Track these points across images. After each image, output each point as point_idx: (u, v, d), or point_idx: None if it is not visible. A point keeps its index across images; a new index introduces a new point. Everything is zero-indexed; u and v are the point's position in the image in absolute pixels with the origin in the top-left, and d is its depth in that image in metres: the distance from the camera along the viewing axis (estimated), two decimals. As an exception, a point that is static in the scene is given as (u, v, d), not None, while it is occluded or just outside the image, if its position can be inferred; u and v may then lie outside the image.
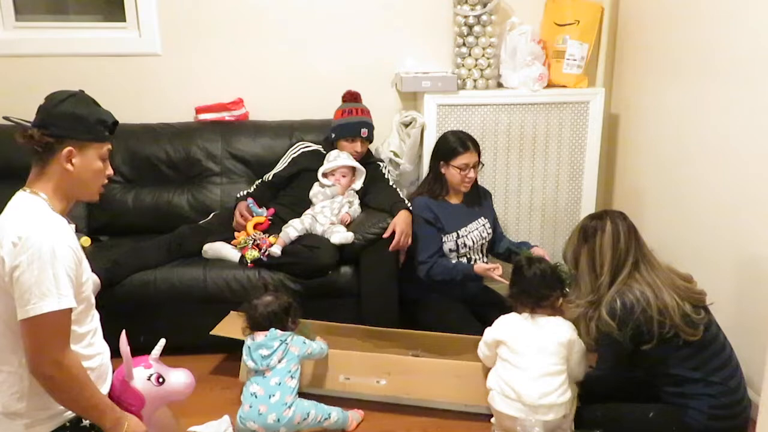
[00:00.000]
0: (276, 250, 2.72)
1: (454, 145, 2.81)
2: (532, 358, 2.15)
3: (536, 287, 2.25)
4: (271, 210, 2.94)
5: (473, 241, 2.87)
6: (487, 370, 2.31)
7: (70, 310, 1.54)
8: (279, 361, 2.17)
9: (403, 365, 2.44)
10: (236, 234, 2.84)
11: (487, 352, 2.30)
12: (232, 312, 2.60)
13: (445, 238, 2.84)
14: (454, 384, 2.38)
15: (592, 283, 2.12)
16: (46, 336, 1.50)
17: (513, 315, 2.29)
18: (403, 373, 2.40)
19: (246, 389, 2.19)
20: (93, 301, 1.72)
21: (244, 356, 2.21)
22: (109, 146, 1.70)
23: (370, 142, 3.11)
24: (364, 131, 3.02)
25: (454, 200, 2.91)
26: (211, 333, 2.45)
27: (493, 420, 2.28)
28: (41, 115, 1.63)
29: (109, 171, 1.73)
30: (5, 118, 1.65)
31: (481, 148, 3.10)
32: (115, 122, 1.71)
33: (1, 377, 1.58)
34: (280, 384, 2.15)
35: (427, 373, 2.41)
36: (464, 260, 2.88)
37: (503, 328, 2.26)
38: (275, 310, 2.24)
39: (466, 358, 2.49)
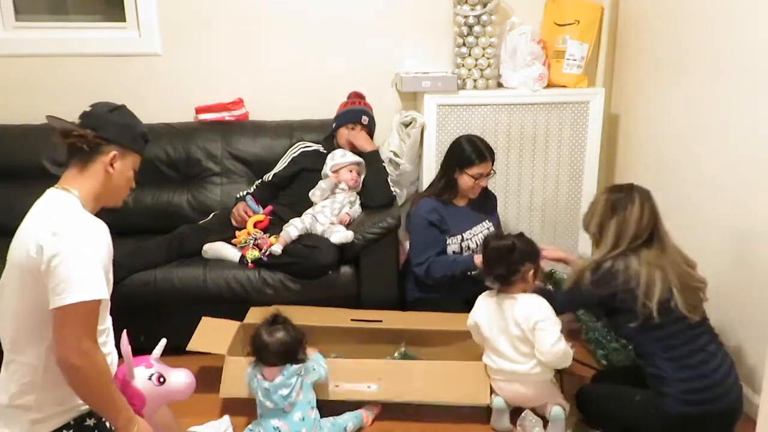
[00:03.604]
0: (277, 249, 2.72)
1: (471, 154, 2.78)
2: (501, 345, 2.31)
3: (493, 265, 2.35)
4: (269, 207, 2.94)
5: (477, 244, 2.86)
6: (477, 367, 2.40)
7: (100, 302, 1.57)
8: (298, 395, 2.15)
9: (393, 369, 2.45)
10: (237, 233, 2.84)
11: (474, 335, 2.42)
12: (204, 318, 2.58)
13: (449, 240, 2.83)
14: (445, 384, 2.39)
15: (609, 250, 2.20)
16: (76, 325, 1.52)
17: (483, 296, 2.42)
18: (393, 376, 2.41)
19: (265, 423, 2.15)
20: (109, 301, 1.74)
21: (261, 397, 2.15)
22: (140, 159, 1.82)
23: (370, 135, 3.11)
24: (365, 119, 3.06)
25: (461, 203, 2.90)
26: (187, 348, 2.39)
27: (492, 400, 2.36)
28: (92, 119, 1.71)
29: (133, 183, 1.82)
30: (48, 117, 1.71)
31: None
32: (149, 139, 1.85)
33: (14, 366, 1.60)
34: (304, 419, 2.14)
35: (418, 375, 2.41)
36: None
37: (477, 310, 2.40)
38: (288, 349, 2.15)
39: (453, 349, 2.53)
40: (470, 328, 2.41)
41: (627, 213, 2.18)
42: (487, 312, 2.36)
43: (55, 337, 1.53)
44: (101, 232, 1.63)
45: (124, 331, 1.75)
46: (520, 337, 2.28)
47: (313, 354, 2.31)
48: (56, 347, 1.53)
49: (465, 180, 2.80)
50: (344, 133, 3.05)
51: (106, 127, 1.70)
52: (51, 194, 1.67)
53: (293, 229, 2.79)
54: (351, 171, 2.97)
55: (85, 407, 1.65)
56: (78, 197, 1.65)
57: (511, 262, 2.32)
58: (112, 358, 1.74)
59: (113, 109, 1.75)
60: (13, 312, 1.60)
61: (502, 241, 2.37)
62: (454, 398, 2.38)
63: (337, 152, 3.02)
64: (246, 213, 2.90)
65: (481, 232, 2.89)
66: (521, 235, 2.44)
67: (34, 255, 1.53)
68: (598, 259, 2.22)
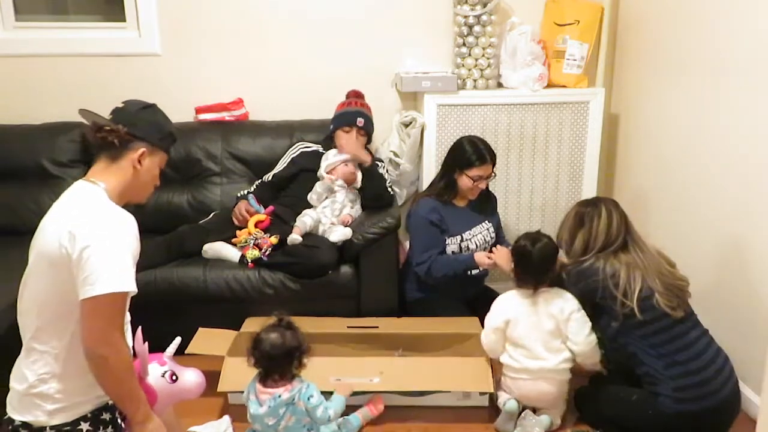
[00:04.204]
0: (296, 237, 2.73)
1: (471, 156, 2.77)
2: (531, 342, 2.30)
3: (541, 265, 2.34)
4: (270, 207, 2.94)
5: (476, 245, 2.86)
6: (478, 361, 2.40)
7: (127, 294, 1.60)
8: (288, 421, 2.05)
9: (395, 364, 2.46)
10: (238, 233, 2.84)
11: (494, 337, 2.37)
12: (200, 329, 2.59)
13: (448, 241, 2.83)
14: (448, 374, 2.41)
15: (578, 257, 2.30)
16: (106, 316, 1.54)
17: (513, 294, 2.39)
18: (396, 369, 2.43)
19: None
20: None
21: (249, 419, 2.09)
22: (167, 158, 1.85)
23: (368, 138, 3.11)
24: (360, 120, 3.03)
25: (460, 203, 2.90)
26: (186, 352, 2.39)
27: (499, 401, 2.37)
28: (123, 115, 1.74)
29: (158, 182, 1.84)
30: (81, 111, 1.74)
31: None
32: (176, 139, 1.87)
33: (36, 355, 1.61)
34: None
35: (420, 368, 2.43)
36: None
37: (508, 308, 2.36)
38: (278, 353, 2.02)
39: (450, 353, 2.52)
40: (496, 330, 2.36)
41: (594, 225, 2.27)
42: (522, 310, 2.34)
43: (83, 327, 1.55)
44: (130, 224, 1.66)
45: (139, 328, 1.76)
46: (552, 331, 2.30)
47: (338, 395, 2.22)
48: (84, 337, 1.54)
49: (464, 181, 2.80)
50: (341, 136, 3.04)
51: (138, 124, 1.73)
52: (78, 186, 1.69)
53: (308, 218, 2.81)
54: (347, 164, 2.97)
55: (103, 400, 1.66)
56: (105, 190, 1.68)
57: (554, 261, 2.37)
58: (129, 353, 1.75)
59: (145, 107, 1.79)
60: (38, 302, 1.61)
61: (544, 242, 2.37)
62: (457, 386, 2.39)
63: (330, 152, 3.02)
64: (248, 212, 2.90)
65: (481, 233, 2.88)
66: (539, 232, 2.46)
67: (66, 245, 1.54)
68: (573, 261, 2.31)
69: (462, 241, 2.84)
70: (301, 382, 2.07)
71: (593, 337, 2.29)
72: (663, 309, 2.13)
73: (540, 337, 2.30)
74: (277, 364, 2.04)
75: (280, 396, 2.02)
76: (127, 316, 1.75)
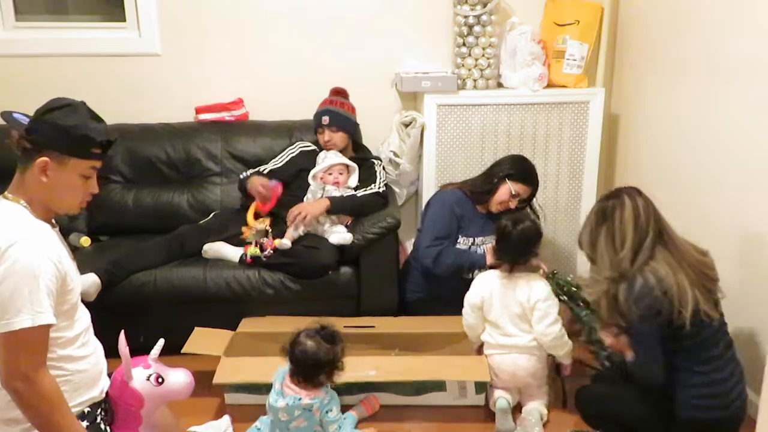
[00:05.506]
0: (286, 243, 2.73)
1: (524, 173, 2.82)
2: (504, 322, 2.37)
3: (520, 246, 2.39)
4: (279, 186, 2.91)
5: (484, 252, 2.85)
6: (474, 359, 2.43)
7: (47, 326, 1.50)
8: (300, 423, 2.05)
9: (391, 362, 2.47)
10: (244, 228, 2.85)
11: (472, 314, 2.43)
12: (197, 328, 2.58)
13: (460, 239, 2.84)
14: (445, 365, 2.43)
15: (612, 259, 2.02)
16: (17, 351, 1.47)
17: (491, 274, 2.45)
18: (391, 364, 2.45)
19: (268, 428, 2.13)
20: (80, 302, 1.70)
21: (267, 406, 2.10)
22: (95, 164, 1.63)
23: (348, 134, 3.07)
24: (324, 119, 3.00)
25: (481, 209, 2.91)
26: (182, 351, 2.39)
27: (491, 401, 2.38)
28: (32, 119, 1.58)
29: (93, 189, 1.66)
30: (3, 113, 1.60)
31: (481, 148, 3.12)
32: (108, 141, 1.62)
33: None
34: None
35: (416, 364, 2.44)
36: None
37: (483, 287, 2.43)
38: (308, 359, 2.01)
39: (446, 353, 2.53)
40: (473, 307, 2.42)
41: (616, 218, 2.02)
42: (496, 290, 2.39)
43: None
44: (46, 246, 1.53)
45: (122, 331, 1.74)
46: (520, 315, 2.35)
47: (351, 412, 2.23)
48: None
49: (503, 191, 2.80)
50: (320, 136, 3.05)
51: (38, 129, 1.54)
52: (1, 206, 1.58)
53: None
54: (331, 174, 2.96)
55: (78, 410, 1.63)
56: (25, 207, 1.57)
57: (535, 244, 2.41)
58: (97, 357, 1.73)
59: (55, 108, 1.57)
60: None
61: (527, 224, 2.41)
62: (454, 375, 2.40)
63: (320, 156, 3.02)
64: (264, 187, 2.87)
65: (490, 243, 2.87)
66: (526, 215, 2.51)
67: None
68: (610, 275, 2.02)
69: (473, 244, 2.85)
70: (326, 393, 2.07)
71: (554, 329, 2.32)
72: (706, 318, 1.98)
73: (510, 318, 2.36)
74: (304, 371, 2.04)
75: (300, 399, 2.03)
76: (84, 323, 1.68)
